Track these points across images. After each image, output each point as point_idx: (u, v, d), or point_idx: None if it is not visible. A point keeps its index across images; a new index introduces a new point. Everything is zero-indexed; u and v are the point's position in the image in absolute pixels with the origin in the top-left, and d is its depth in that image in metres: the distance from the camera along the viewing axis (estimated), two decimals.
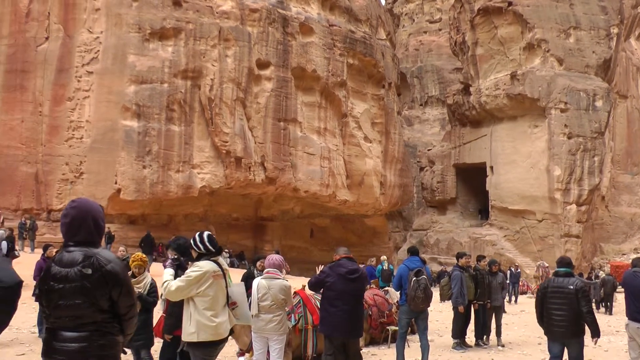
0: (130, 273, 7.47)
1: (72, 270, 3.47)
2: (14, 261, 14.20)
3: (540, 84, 40.84)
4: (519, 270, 30.70)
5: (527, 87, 41.25)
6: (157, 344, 7.99)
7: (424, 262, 12.04)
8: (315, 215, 39.70)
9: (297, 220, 39.43)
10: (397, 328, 10.84)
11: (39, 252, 18.36)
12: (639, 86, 56.72)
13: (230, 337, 6.11)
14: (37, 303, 7.26)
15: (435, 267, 40.87)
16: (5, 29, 30.16)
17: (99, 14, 29.80)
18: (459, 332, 12.50)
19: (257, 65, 32.13)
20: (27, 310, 13.84)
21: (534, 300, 23.31)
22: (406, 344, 10.46)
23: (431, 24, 65.42)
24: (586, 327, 7.66)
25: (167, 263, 6.36)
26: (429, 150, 54.67)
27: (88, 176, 28.94)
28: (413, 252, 10.47)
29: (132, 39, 29.32)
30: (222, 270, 5.85)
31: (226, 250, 28.63)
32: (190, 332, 5.66)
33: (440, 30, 63.63)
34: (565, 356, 7.83)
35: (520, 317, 20.18)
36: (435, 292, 12.28)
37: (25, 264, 14.71)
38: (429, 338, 10.22)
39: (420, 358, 9.89)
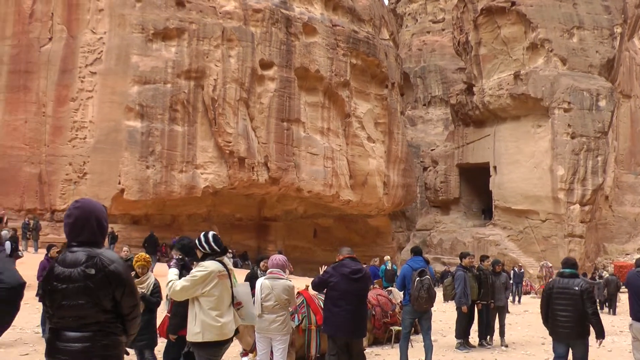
0: (133, 273, 7.46)
1: (75, 270, 3.48)
2: (18, 261, 14.21)
3: (544, 84, 40.75)
4: (522, 270, 30.63)
5: (530, 87, 41.16)
6: (161, 344, 8.00)
7: (427, 262, 12.02)
8: (319, 215, 39.69)
9: (301, 220, 39.43)
10: (400, 328, 10.83)
11: (42, 252, 18.42)
12: None
13: (234, 337, 6.10)
14: (41, 303, 7.27)
15: (438, 267, 40.77)
16: (8, 29, 30.23)
17: (102, 14, 29.85)
18: (462, 332, 12.49)
19: (260, 66, 32.14)
20: (31, 311, 13.88)
21: (537, 300, 23.24)
22: (410, 344, 10.44)
23: (434, 24, 65.35)
24: (591, 328, 7.66)
25: (171, 263, 6.37)
26: (432, 150, 54.57)
27: (91, 176, 28.99)
28: (416, 252, 10.45)
29: (136, 40, 29.35)
30: (227, 270, 5.85)
31: (230, 250, 28.63)
32: (195, 332, 5.66)
33: (443, 30, 63.56)
34: (570, 357, 7.82)
35: (523, 317, 20.15)
36: (439, 292, 12.28)
37: (29, 264, 14.72)
38: (432, 338, 10.20)
39: (423, 358, 9.88)
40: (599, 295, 22.96)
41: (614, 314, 23.04)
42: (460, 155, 49.33)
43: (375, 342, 12.39)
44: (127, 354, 3.75)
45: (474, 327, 12.97)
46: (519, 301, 27.06)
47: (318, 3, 36.01)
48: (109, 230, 22.63)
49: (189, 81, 30.09)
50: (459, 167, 49.87)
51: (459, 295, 12.14)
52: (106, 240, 13.38)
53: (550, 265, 32.03)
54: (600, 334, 7.58)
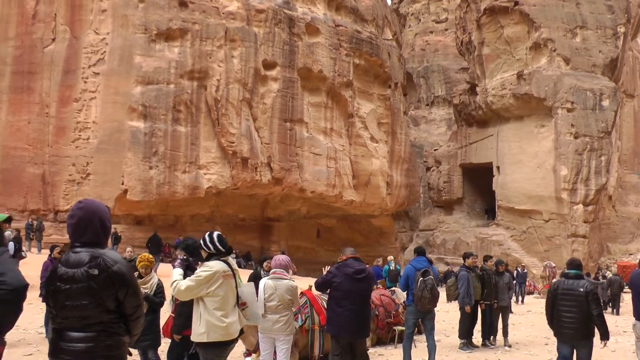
0: (136, 273, 7.48)
1: (78, 270, 3.48)
2: (21, 262, 14.24)
3: (547, 84, 40.70)
4: (525, 270, 30.59)
5: (533, 87, 41.11)
6: (164, 345, 8.00)
7: (430, 262, 12.02)
8: (322, 215, 39.68)
9: (304, 220, 39.42)
10: (403, 328, 10.81)
11: (46, 252, 18.43)
12: None
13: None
14: (44, 304, 7.26)
15: (441, 268, 40.73)
16: (12, 30, 30.29)
17: (106, 15, 29.88)
18: (465, 333, 12.47)
19: (263, 66, 32.15)
20: (34, 311, 13.90)
21: (540, 300, 23.25)
22: (413, 344, 10.44)
23: (437, 23, 65.31)
24: (595, 330, 7.65)
25: (176, 263, 6.37)
26: (435, 150, 54.52)
27: (95, 177, 29.02)
28: (420, 252, 10.44)
29: (139, 40, 29.37)
30: (232, 270, 5.85)
31: (234, 250, 28.64)
32: (200, 332, 5.66)
33: (446, 30, 63.52)
34: (574, 358, 7.80)
35: (527, 317, 20.13)
36: (442, 293, 12.27)
37: (32, 265, 14.74)
38: (435, 338, 10.20)
39: (427, 358, 9.88)
40: (602, 296, 22.92)
41: (618, 314, 22.97)
42: (463, 155, 49.28)
43: (379, 342, 12.39)
44: (130, 354, 3.76)
45: (477, 327, 12.95)
46: (522, 301, 27.00)
47: (321, 3, 36.01)
48: (112, 230, 22.68)
49: (192, 82, 30.11)
50: (462, 167, 49.82)
51: (462, 296, 12.12)
52: (109, 240, 13.39)
53: (554, 265, 31.99)
54: (605, 336, 7.56)
